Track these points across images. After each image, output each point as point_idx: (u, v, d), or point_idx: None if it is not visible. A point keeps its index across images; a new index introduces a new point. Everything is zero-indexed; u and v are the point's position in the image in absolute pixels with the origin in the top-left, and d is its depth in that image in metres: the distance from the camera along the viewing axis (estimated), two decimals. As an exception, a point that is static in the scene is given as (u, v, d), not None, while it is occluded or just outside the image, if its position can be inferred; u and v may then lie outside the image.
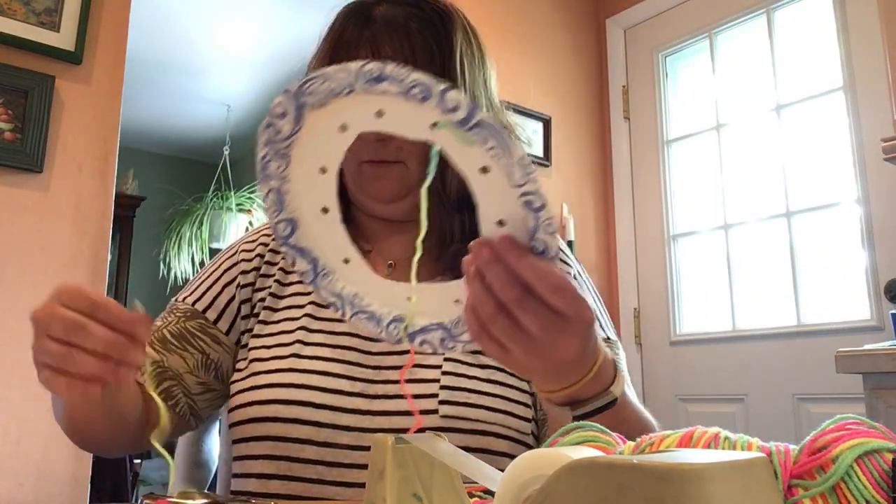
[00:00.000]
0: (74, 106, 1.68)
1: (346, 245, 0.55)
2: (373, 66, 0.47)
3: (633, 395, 0.70)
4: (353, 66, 0.47)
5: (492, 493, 0.39)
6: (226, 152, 4.77)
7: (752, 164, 2.56)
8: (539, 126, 2.73)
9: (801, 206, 2.41)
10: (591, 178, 2.91)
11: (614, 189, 2.92)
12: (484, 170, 0.47)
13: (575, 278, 0.89)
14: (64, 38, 1.66)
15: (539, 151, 2.71)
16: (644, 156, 2.91)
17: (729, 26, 2.71)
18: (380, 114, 0.48)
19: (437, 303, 0.53)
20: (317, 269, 0.55)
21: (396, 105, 0.47)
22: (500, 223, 0.48)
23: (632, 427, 0.63)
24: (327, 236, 0.55)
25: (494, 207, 0.48)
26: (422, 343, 0.53)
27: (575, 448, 0.38)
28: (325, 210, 0.55)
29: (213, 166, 4.91)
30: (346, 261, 0.55)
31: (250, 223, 4.35)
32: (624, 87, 2.98)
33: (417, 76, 0.46)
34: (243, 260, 0.89)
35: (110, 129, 1.73)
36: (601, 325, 0.86)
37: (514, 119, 0.93)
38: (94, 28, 1.72)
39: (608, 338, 0.86)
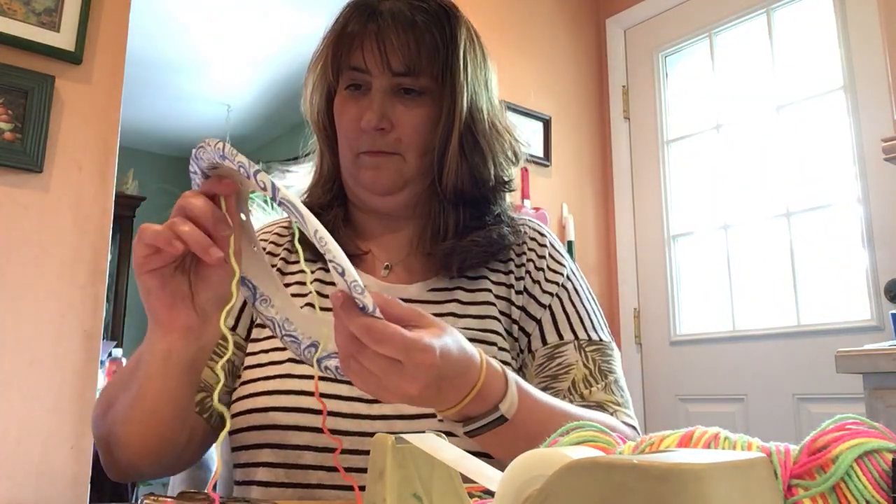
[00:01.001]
0: (74, 106, 1.68)
1: (276, 279, 0.64)
2: (219, 144, 0.54)
3: (563, 405, 0.70)
4: (213, 142, 0.54)
5: (492, 493, 0.39)
6: (226, 152, 4.77)
7: (752, 164, 2.56)
8: (539, 126, 2.73)
9: (801, 206, 2.41)
10: (591, 178, 2.91)
11: (614, 189, 2.92)
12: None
13: (569, 278, 0.89)
14: (64, 38, 1.66)
15: (539, 151, 2.71)
16: (644, 156, 2.91)
17: (729, 26, 2.71)
18: (241, 184, 0.58)
19: None
20: (255, 295, 0.62)
21: (244, 179, 0.55)
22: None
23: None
24: (260, 269, 0.63)
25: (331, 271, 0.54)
26: (325, 368, 0.60)
27: (575, 448, 0.38)
28: (255, 249, 0.63)
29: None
30: (278, 289, 0.64)
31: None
32: (624, 87, 2.98)
33: (242, 159, 0.52)
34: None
35: (110, 129, 1.73)
36: (592, 327, 0.86)
37: (512, 121, 0.93)
38: (94, 28, 1.72)
39: (600, 339, 0.85)
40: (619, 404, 0.80)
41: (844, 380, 1.70)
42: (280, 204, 0.50)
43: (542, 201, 2.67)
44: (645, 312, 2.80)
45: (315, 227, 0.49)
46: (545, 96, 2.78)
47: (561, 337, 0.84)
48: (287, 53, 3.79)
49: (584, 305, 0.87)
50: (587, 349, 0.83)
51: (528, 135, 2.68)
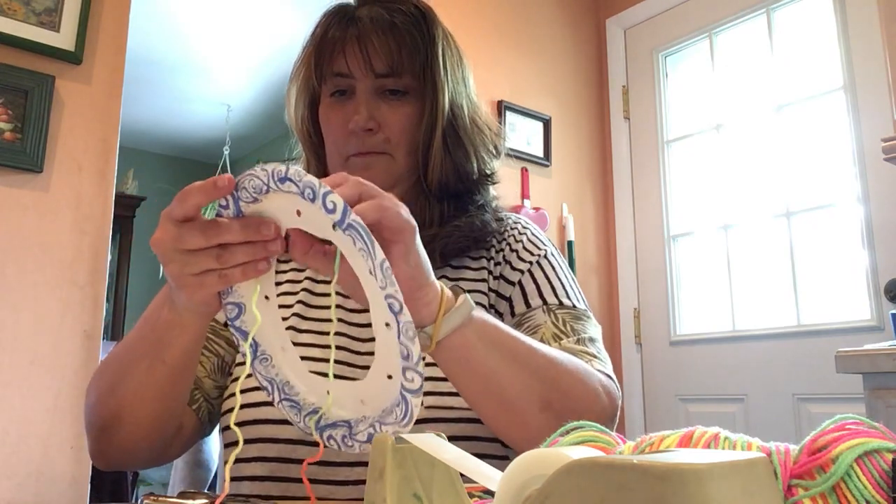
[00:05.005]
0: (74, 106, 1.68)
1: (284, 334, 0.59)
2: (280, 167, 0.50)
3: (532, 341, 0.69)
4: (269, 166, 0.51)
5: (492, 493, 0.39)
6: (226, 152, 4.78)
7: (752, 164, 2.56)
8: (539, 126, 2.73)
9: (801, 206, 2.41)
10: (591, 178, 2.91)
11: (614, 189, 2.92)
12: (370, 272, 0.50)
13: (545, 257, 0.87)
14: (64, 38, 1.66)
15: (539, 151, 2.71)
16: (644, 156, 2.91)
17: (729, 26, 2.71)
18: (298, 213, 0.52)
19: (348, 400, 0.56)
20: (256, 353, 0.58)
21: (306, 205, 0.51)
22: (387, 325, 0.51)
23: (525, 354, 0.65)
24: (268, 323, 0.58)
25: (377, 309, 0.51)
26: (329, 438, 0.56)
27: (575, 448, 0.38)
28: (266, 297, 0.58)
29: (213, 166, 4.91)
30: (283, 349, 0.59)
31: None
32: (624, 87, 2.98)
33: (309, 179, 0.49)
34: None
35: (110, 129, 1.73)
36: (566, 294, 0.83)
37: (492, 118, 0.94)
38: (94, 28, 1.72)
39: (574, 305, 0.82)
40: (594, 356, 0.77)
41: (844, 380, 1.70)
42: (347, 227, 0.48)
43: (542, 201, 2.67)
44: (645, 312, 2.80)
45: (381, 257, 0.48)
46: (545, 96, 2.78)
47: (529, 306, 0.82)
48: (287, 54, 3.79)
49: (557, 277, 0.85)
50: (557, 311, 0.81)
51: (528, 135, 2.68)
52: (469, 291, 0.84)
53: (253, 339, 0.57)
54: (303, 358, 0.78)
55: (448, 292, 0.60)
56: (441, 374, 0.76)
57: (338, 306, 0.84)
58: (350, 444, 0.54)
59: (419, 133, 0.84)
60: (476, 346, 0.62)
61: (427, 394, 0.75)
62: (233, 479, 0.80)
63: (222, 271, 0.55)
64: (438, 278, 0.84)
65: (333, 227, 0.50)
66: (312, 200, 0.49)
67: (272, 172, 0.50)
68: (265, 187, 0.52)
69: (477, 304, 0.81)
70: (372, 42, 0.82)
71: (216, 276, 0.55)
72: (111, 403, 0.72)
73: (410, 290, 0.56)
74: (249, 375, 0.78)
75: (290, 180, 0.50)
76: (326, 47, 0.85)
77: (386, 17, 0.83)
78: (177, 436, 0.78)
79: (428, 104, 0.84)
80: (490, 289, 0.85)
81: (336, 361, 0.79)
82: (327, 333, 0.81)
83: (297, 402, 0.57)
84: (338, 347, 0.80)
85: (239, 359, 0.83)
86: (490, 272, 0.87)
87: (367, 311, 0.82)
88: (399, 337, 0.49)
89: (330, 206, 0.48)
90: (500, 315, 0.84)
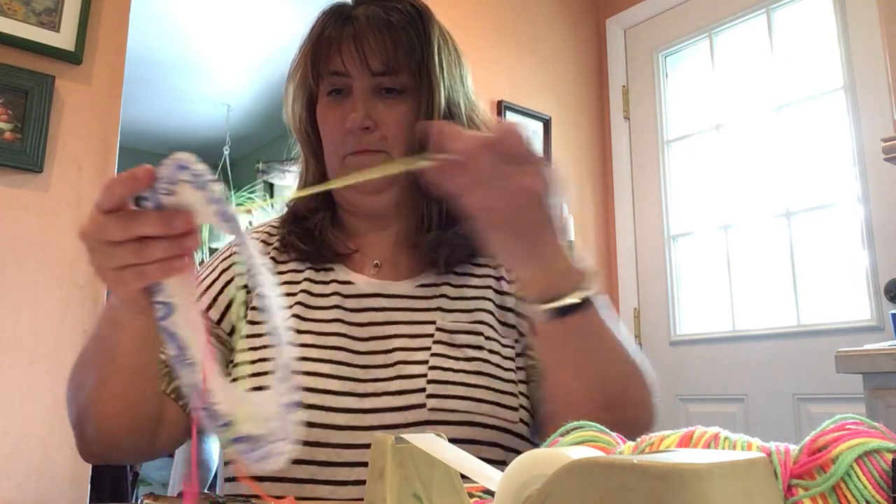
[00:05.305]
0: (74, 106, 1.68)
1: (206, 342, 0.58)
2: (182, 156, 0.50)
3: (623, 334, 0.72)
4: (175, 156, 0.50)
5: (492, 493, 0.39)
6: (226, 152, 4.78)
7: (752, 164, 2.56)
8: (539, 126, 2.73)
9: (801, 206, 2.41)
10: (591, 178, 2.91)
11: (614, 189, 2.92)
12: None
13: None
14: (64, 38, 1.66)
15: (539, 151, 2.71)
16: (644, 156, 2.91)
17: (729, 26, 2.71)
18: (209, 202, 0.51)
19: (257, 415, 0.54)
20: (183, 357, 0.55)
21: (201, 195, 0.50)
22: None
23: (612, 356, 0.69)
24: (194, 327, 0.56)
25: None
26: (234, 451, 0.54)
27: (575, 448, 0.38)
28: (193, 298, 0.57)
29: (213, 166, 4.91)
30: (206, 356, 0.57)
31: (250, 223, 4.35)
32: (624, 87, 2.98)
33: (200, 167, 0.49)
34: (238, 263, 0.90)
35: (110, 129, 1.73)
36: None
37: (490, 117, 0.95)
38: (94, 28, 1.72)
39: None
40: None
41: (844, 380, 1.70)
42: (228, 219, 0.48)
43: (542, 201, 2.67)
44: (645, 312, 2.80)
45: (252, 255, 0.48)
46: (545, 96, 2.78)
47: None
48: (287, 54, 3.78)
49: None
50: None
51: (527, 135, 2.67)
52: (473, 299, 0.85)
53: (180, 342, 0.55)
54: (302, 359, 0.78)
55: (551, 291, 0.67)
56: (441, 378, 0.76)
57: (337, 306, 0.84)
58: (248, 460, 0.53)
59: (416, 131, 0.85)
60: (549, 342, 0.68)
61: (430, 396, 0.75)
62: (231, 479, 0.80)
63: (140, 267, 0.54)
64: (441, 285, 0.86)
65: (217, 218, 0.49)
66: (200, 189, 0.48)
67: (175, 161, 0.49)
68: (174, 178, 0.51)
69: (482, 310, 0.82)
70: (368, 41, 0.82)
71: (135, 271, 0.54)
72: (79, 402, 0.73)
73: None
74: (253, 374, 0.79)
75: (185, 168, 0.49)
76: (323, 46, 0.85)
77: (382, 16, 0.84)
78: (160, 431, 0.77)
79: (424, 102, 0.84)
80: (506, 293, 0.86)
81: (336, 362, 0.79)
82: (327, 334, 0.81)
83: (216, 412, 0.55)
84: (337, 348, 0.80)
85: (238, 358, 0.83)
86: (502, 278, 0.88)
87: (366, 311, 0.83)
88: (273, 345, 0.48)
89: (213, 196, 0.47)
90: (511, 327, 0.85)
